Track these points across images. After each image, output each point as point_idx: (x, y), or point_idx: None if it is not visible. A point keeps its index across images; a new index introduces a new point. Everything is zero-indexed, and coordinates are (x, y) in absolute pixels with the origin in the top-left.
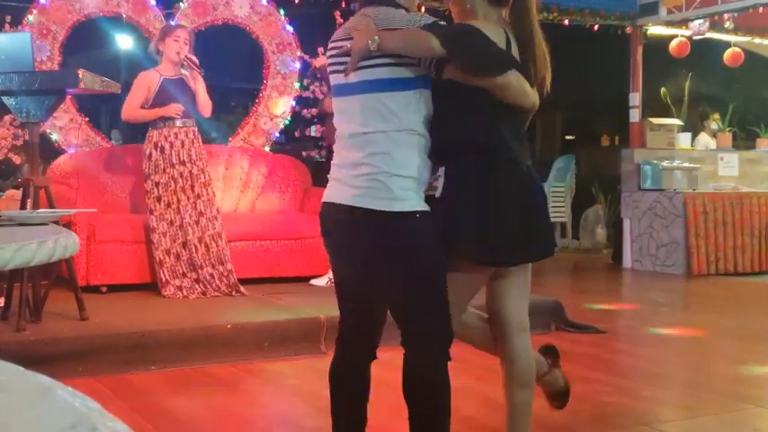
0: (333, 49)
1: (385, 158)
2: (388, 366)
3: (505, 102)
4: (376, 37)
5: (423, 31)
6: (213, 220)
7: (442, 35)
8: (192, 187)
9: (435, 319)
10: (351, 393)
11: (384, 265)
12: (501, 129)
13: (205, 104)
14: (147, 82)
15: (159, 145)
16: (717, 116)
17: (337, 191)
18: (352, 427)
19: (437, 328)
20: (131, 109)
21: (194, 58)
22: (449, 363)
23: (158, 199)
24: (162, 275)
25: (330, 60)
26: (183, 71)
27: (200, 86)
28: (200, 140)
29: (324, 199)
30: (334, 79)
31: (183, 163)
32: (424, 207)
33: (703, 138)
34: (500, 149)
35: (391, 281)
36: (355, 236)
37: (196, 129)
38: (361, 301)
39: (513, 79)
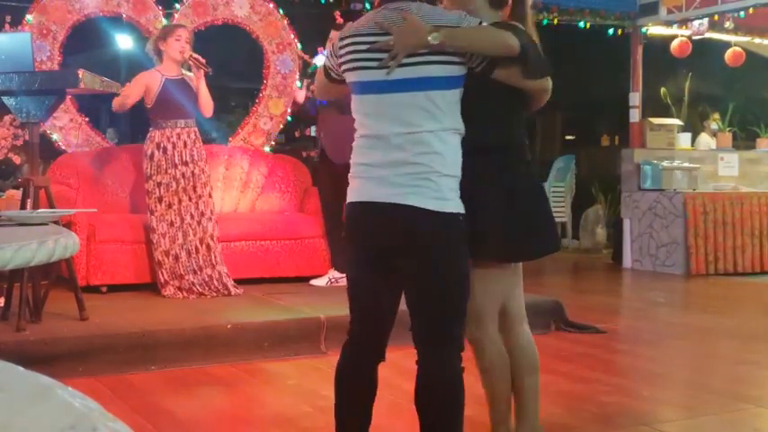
0: (357, 44)
1: (436, 158)
2: (388, 366)
3: (536, 103)
4: (436, 33)
5: (500, 30)
6: (210, 221)
7: (515, 34)
8: (195, 188)
9: (457, 323)
10: (357, 394)
11: (422, 265)
12: (522, 129)
13: (207, 104)
14: (146, 81)
15: (162, 145)
16: (717, 116)
17: (375, 190)
18: (356, 428)
19: (457, 331)
20: (124, 103)
21: (200, 57)
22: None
23: (159, 200)
24: (161, 276)
25: (354, 56)
26: (183, 71)
27: (202, 86)
28: (201, 140)
29: (355, 198)
30: (361, 76)
31: (186, 163)
32: (463, 210)
33: (704, 138)
34: (521, 148)
35: (428, 281)
36: (395, 234)
37: (197, 129)
38: (378, 301)
39: (550, 83)
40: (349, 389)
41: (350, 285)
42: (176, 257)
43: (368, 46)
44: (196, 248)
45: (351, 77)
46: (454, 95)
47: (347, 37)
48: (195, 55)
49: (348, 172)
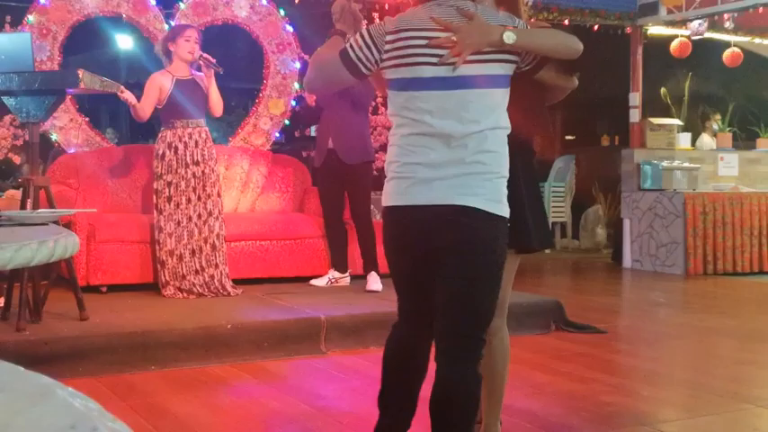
0: (414, 38)
1: (495, 157)
2: None
3: (556, 100)
4: (510, 33)
5: (562, 32)
6: (217, 220)
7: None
8: (204, 187)
9: (485, 325)
10: (407, 373)
11: (468, 265)
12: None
13: (217, 104)
14: (159, 83)
15: (173, 145)
16: (718, 117)
17: (432, 191)
18: (401, 412)
19: (483, 334)
20: (144, 111)
21: (210, 57)
22: None
23: (169, 199)
24: (163, 276)
25: (410, 51)
26: (193, 71)
27: (212, 86)
28: (211, 140)
29: (405, 201)
30: (420, 72)
31: (197, 163)
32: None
33: (706, 138)
34: (534, 145)
35: (472, 280)
36: (450, 234)
37: (207, 129)
38: (426, 297)
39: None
40: (400, 368)
41: (398, 285)
42: (180, 257)
43: (427, 41)
44: (200, 248)
45: (401, 73)
46: (505, 94)
47: (399, 31)
48: (205, 55)
49: (360, 171)
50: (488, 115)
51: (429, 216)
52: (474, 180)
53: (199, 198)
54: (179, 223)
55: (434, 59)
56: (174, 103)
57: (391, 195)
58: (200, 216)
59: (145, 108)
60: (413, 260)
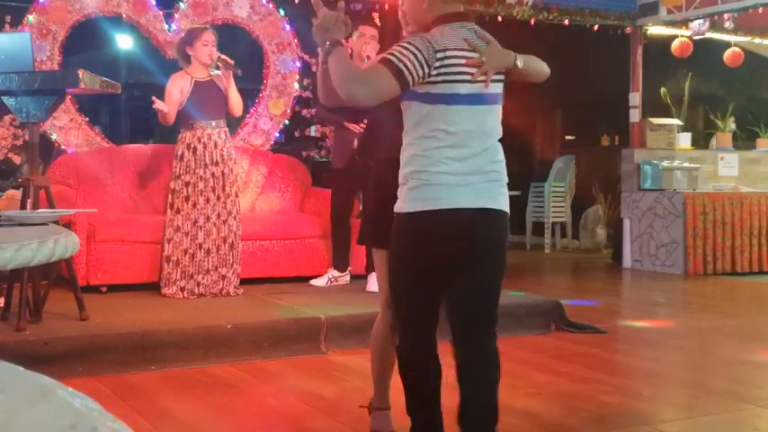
0: (457, 57)
1: (502, 166)
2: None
3: None
4: (522, 57)
5: (538, 59)
6: (235, 219)
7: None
8: (224, 187)
9: (497, 316)
10: (429, 380)
11: (492, 261)
12: None
13: (237, 105)
14: (178, 86)
15: (192, 146)
16: (732, 119)
17: (458, 197)
18: (431, 414)
19: (496, 322)
20: (172, 115)
21: (229, 59)
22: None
23: (186, 199)
24: (174, 274)
25: (454, 69)
26: (211, 71)
27: (231, 87)
28: (231, 140)
29: (433, 207)
30: (461, 88)
31: (216, 163)
32: None
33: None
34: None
35: (494, 273)
36: (479, 235)
37: (227, 129)
38: (435, 306)
39: None
40: (419, 380)
41: (410, 285)
42: (192, 256)
43: (465, 60)
44: (218, 247)
45: (443, 88)
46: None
47: (446, 50)
48: (224, 56)
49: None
50: (497, 128)
51: (455, 218)
52: (492, 186)
53: (218, 198)
54: (195, 222)
55: (468, 77)
56: (193, 105)
57: (415, 202)
58: (219, 215)
59: (170, 112)
60: (432, 261)
